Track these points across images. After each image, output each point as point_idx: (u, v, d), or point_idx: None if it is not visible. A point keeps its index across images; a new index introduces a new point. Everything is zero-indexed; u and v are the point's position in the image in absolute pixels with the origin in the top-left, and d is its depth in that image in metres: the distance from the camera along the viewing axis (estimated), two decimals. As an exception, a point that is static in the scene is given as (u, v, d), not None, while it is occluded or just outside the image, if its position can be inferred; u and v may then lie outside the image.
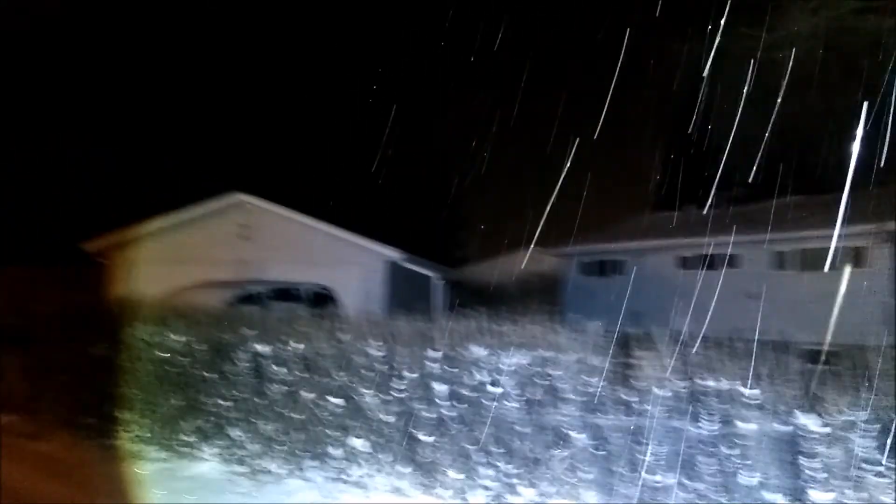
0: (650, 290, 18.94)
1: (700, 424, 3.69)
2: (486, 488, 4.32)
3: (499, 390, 4.37)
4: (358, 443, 4.75)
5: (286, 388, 5.23)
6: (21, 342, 7.74)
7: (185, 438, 5.83)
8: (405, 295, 17.28)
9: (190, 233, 16.92)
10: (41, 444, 6.37)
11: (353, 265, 16.36)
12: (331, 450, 4.94)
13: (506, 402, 4.34)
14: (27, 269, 17.53)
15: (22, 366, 7.80)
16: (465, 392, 4.45)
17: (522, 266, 30.22)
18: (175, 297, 11.71)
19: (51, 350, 7.38)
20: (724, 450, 3.62)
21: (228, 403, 5.55)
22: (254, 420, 5.44)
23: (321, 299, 13.51)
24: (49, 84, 21.86)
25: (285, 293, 13.37)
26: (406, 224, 25.76)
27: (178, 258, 16.56)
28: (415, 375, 4.62)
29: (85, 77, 22.51)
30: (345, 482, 4.85)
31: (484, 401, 4.35)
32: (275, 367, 5.29)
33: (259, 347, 5.43)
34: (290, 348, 5.28)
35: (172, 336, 5.92)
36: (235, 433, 5.55)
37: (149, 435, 6.14)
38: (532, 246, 31.32)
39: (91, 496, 5.10)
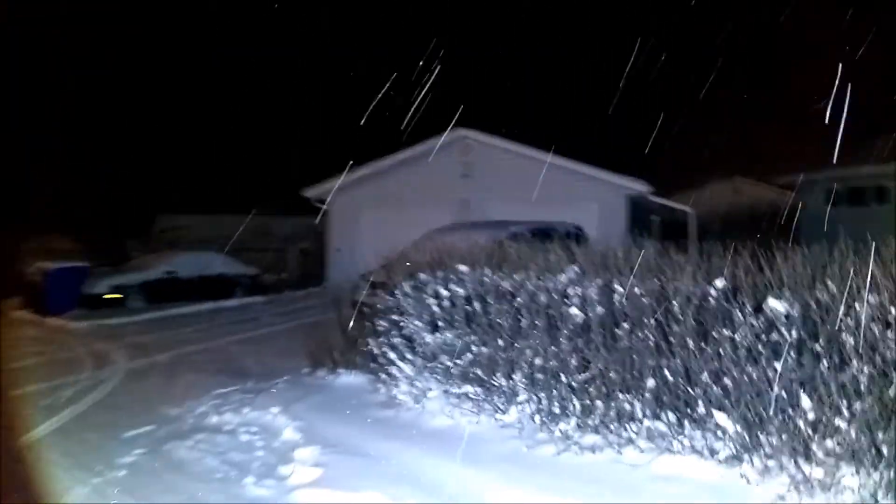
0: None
1: None
2: None
3: None
4: None
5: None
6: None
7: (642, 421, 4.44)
8: (646, 231, 15.40)
9: (411, 173, 15.97)
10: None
11: (592, 201, 14.66)
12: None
13: None
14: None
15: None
16: None
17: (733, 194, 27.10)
18: (431, 240, 10.65)
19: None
20: None
21: (724, 381, 4.03)
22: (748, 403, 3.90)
23: (573, 238, 12.04)
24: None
25: (543, 233, 12.00)
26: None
27: (399, 199, 15.74)
28: None
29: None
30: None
31: None
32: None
33: (776, 305, 3.82)
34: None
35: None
36: (721, 418, 4.04)
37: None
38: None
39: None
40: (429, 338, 5.63)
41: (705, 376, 4.17)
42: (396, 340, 5.91)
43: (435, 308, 5.64)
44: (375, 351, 6.14)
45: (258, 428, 5.52)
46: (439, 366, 5.56)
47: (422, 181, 15.86)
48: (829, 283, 3.81)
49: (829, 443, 3.58)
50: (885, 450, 3.42)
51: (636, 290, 4.47)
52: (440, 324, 5.63)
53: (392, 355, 5.85)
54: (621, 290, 4.53)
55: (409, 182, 15.94)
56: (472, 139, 15.52)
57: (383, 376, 5.99)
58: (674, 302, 4.33)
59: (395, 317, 5.96)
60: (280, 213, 26.58)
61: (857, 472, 3.49)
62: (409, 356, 5.78)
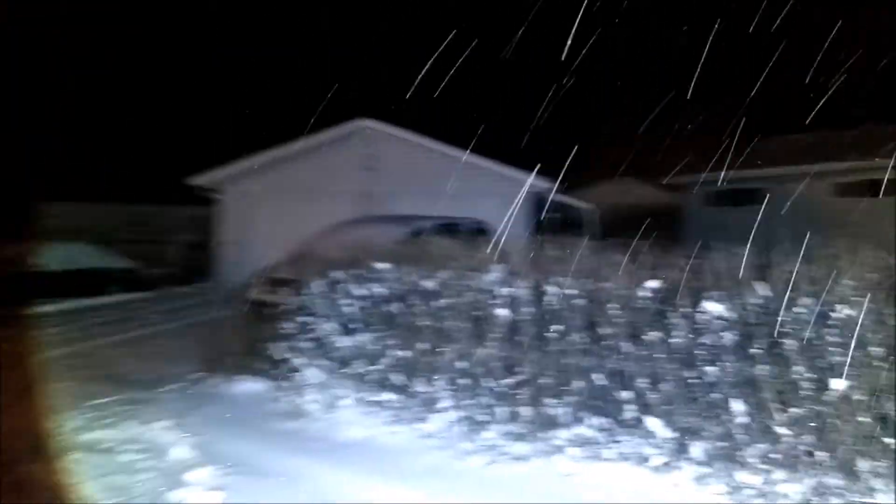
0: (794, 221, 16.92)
1: None
2: None
3: None
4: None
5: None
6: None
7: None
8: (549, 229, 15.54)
9: (310, 163, 15.23)
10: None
11: (494, 196, 14.57)
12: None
13: None
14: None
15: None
16: None
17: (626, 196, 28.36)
18: (333, 234, 10.16)
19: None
20: None
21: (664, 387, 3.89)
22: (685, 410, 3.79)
23: (479, 234, 11.92)
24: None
25: (449, 228, 11.74)
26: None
27: (297, 191, 14.97)
28: None
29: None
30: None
31: None
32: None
33: (713, 306, 3.72)
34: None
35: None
36: (654, 423, 3.91)
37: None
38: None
39: None
40: (342, 341, 5.18)
41: (638, 380, 4.03)
42: (304, 344, 5.41)
43: (349, 308, 5.20)
44: (279, 355, 5.59)
45: (143, 445, 4.84)
46: (353, 371, 5.12)
47: (321, 173, 15.18)
48: (764, 284, 3.77)
49: (765, 448, 3.52)
50: (817, 454, 3.39)
51: (569, 290, 4.26)
52: (355, 326, 5.19)
53: (299, 360, 5.34)
54: (553, 290, 4.31)
55: (308, 173, 15.21)
56: (375, 130, 15.02)
57: (288, 383, 5.46)
58: (607, 303, 4.16)
59: (302, 318, 5.45)
60: (163, 202, 24.69)
61: (792, 477, 3.45)
62: (318, 361, 5.29)
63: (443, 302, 4.79)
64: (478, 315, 4.67)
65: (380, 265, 5.06)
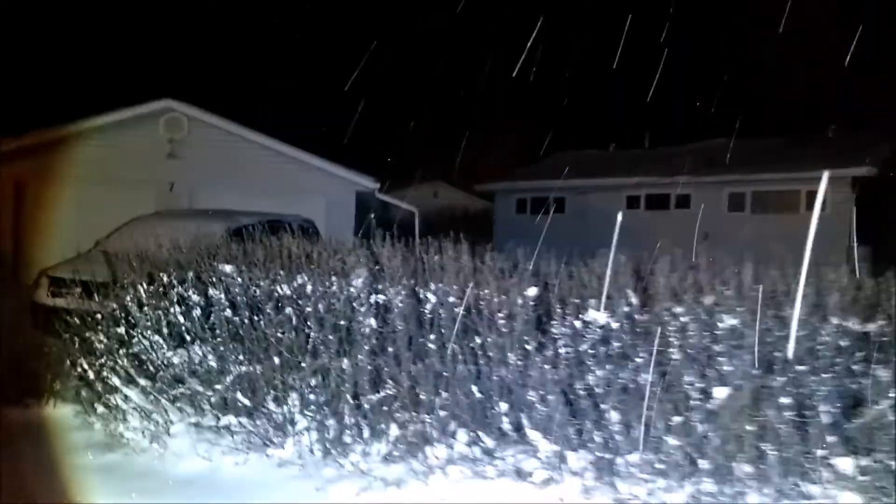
0: (591, 229, 18.59)
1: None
2: None
3: None
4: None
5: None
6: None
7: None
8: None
9: (101, 147, 13.21)
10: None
11: (319, 194, 13.88)
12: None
13: None
14: None
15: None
16: None
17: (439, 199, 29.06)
18: (136, 229, 8.94)
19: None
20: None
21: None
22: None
23: (306, 233, 11.30)
24: None
25: (272, 226, 10.93)
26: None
27: (82, 178, 12.91)
28: None
29: None
30: None
31: None
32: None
33: (596, 315, 3.62)
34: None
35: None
36: (534, 436, 3.77)
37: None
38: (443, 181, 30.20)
39: None
40: (173, 356, 4.37)
41: (517, 391, 3.87)
42: (119, 360, 4.49)
43: (181, 318, 4.41)
44: (85, 374, 4.61)
45: None
46: (186, 392, 4.35)
47: (113, 159, 13.25)
48: (633, 292, 3.81)
49: (647, 457, 3.53)
50: (702, 462, 3.46)
51: (448, 297, 3.97)
52: (188, 337, 4.41)
53: (115, 380, 4.42)
54: (429, 296, 3.99)
55: (98, 158, 13.21)
56: (182, 113, 13.53)
57: (100, 409, 4.51)
58: (483, 310, 3.95)
59: (120, 328, 4.53)
60: None
61: (673, 486, 3.49)
62: (139, 380, 4.42)
63: (299, 309, 4.23)
64: (341, 323, 4.20)
65: (224, 267, 4.34)
